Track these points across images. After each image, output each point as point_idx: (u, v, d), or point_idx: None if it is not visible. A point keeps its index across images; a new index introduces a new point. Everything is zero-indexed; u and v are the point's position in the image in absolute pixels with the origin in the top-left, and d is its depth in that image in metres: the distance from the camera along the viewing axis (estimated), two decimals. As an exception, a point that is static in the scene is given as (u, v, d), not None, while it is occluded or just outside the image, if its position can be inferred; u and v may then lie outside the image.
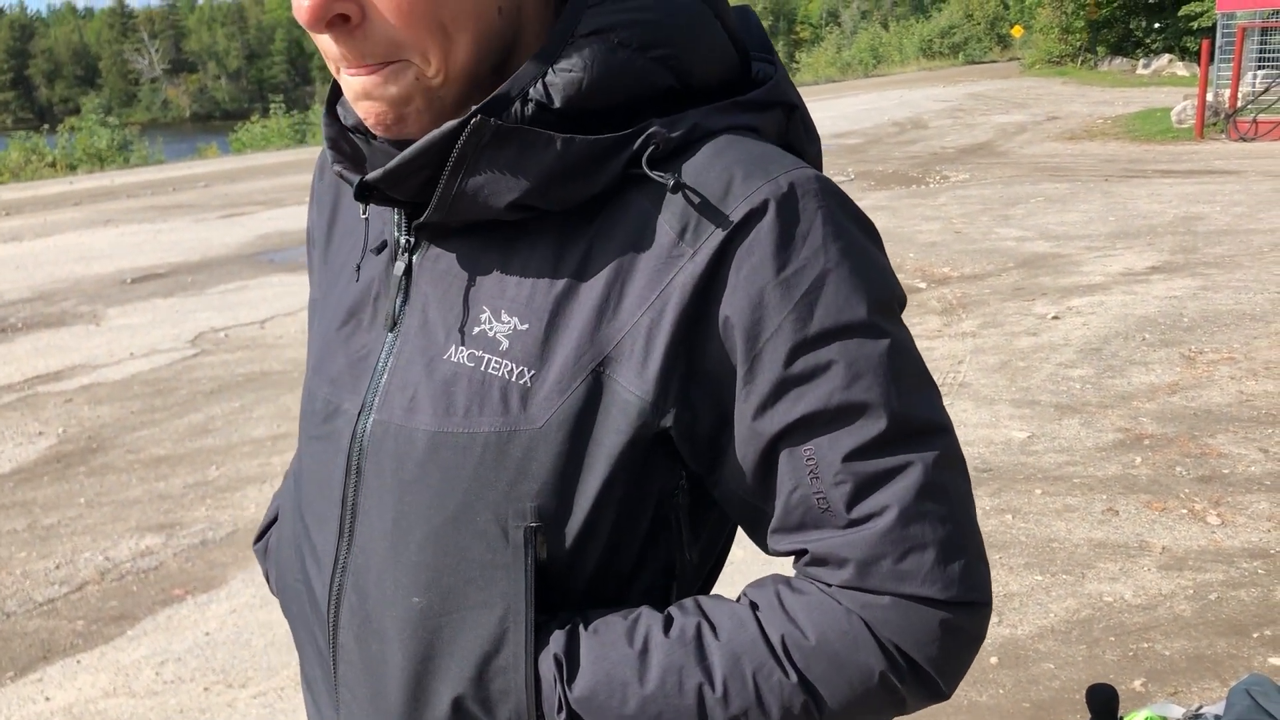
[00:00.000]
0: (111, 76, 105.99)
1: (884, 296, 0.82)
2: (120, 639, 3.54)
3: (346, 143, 0.92)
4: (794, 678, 0.80)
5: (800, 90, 0.94)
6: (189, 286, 9.01)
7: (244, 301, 8.36)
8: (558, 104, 0.79)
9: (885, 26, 66.22)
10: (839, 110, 23.90)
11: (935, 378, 5.29)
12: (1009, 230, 9.47)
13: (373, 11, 0.77)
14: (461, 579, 0.84)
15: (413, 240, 0.89)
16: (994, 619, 3.34)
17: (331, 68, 0.84)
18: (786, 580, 0.85)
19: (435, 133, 0.79)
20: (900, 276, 7.95)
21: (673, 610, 0.84)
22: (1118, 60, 34.41)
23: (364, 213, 0.91)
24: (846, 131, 19.06)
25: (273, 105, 28.76)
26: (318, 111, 29.37)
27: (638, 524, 0.86)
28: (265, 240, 11.02)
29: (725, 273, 0.79)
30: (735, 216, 0.79)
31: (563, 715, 0.82)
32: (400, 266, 0.89)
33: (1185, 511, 4.01)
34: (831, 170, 13.85)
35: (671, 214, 0.81)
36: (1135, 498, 4.14)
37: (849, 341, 0.79)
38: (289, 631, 3.45)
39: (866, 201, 11.37)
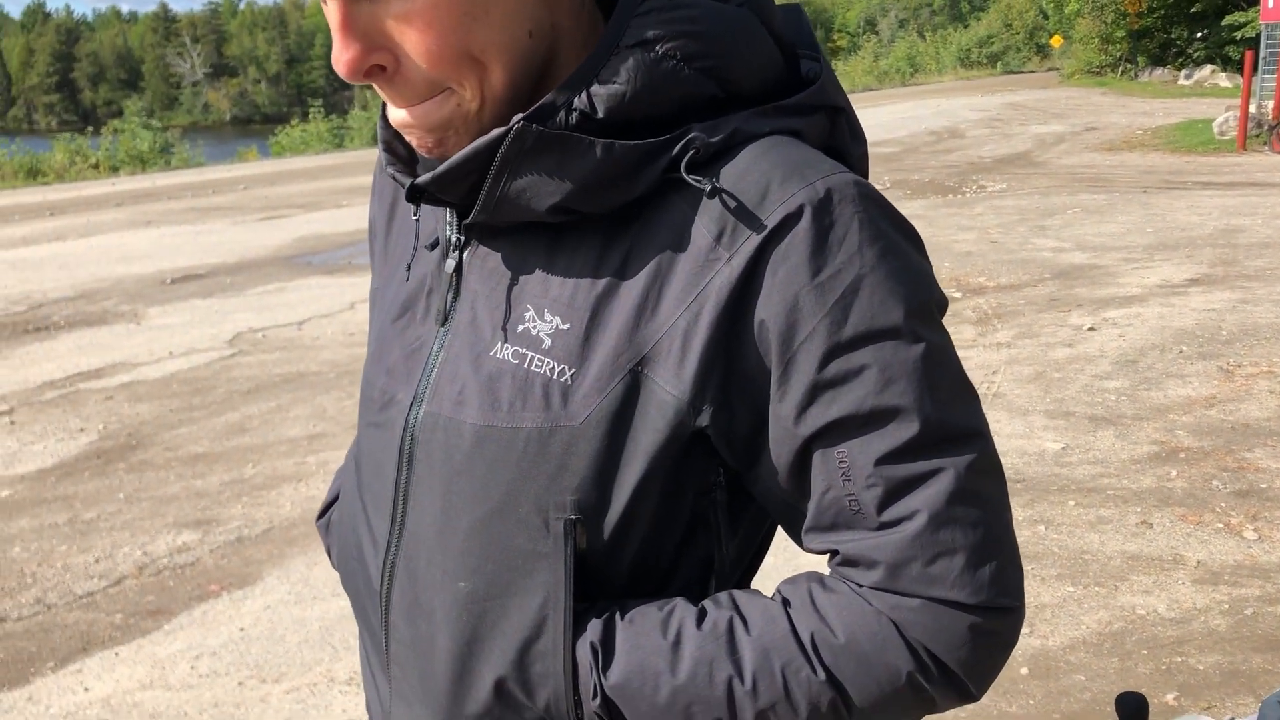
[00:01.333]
0: (154, 80, 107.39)
1: (922, 300, 0.82)
2: (157, 633, 3.60)
3: (400, 144, 0.95)
4: (822, 675, 0.81)
5: None
6: (228, 287, 9.12)
7: (281, 303, 8.46)
8: (601, 114, 0.81)
9: (922, 36, 65.91)
10: (875, 119, 23.83)
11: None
12: (1045, 241, 9.41)
13: (406, 58, 0.80)
14: (505, 566, 0.87)
15: (463, 239, 0.92)
16: (1025, 630, 3.32)
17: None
18: (820, 578, 0.86)
19: (481, 140, 0.82)
20: (935, 286, 7.92)
21: (707, 603, 0.86)
22: (1159, 71, 34.08)
23: (415, 213, 0.94)
24: (883, 140, 19.00)
25: (312, 109, 29.09)
26: (356, 116, 29.66)
27: (676, 519, 0.88)
28: (303, 243, 11.14)
29: (761, 276, 0.80)
30: (771, 221, 0.80)
31: (598, 701, 0.84)
32: (451, 264, 0.92)
33: (1221, 525, 3.97)
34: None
35: (709, 218, 0.82)
36: (1170, 511, 4.11)
37: (883, 345, 0.79)
38: (322, 628, 3.51)
39: (903, 210, 11.22)
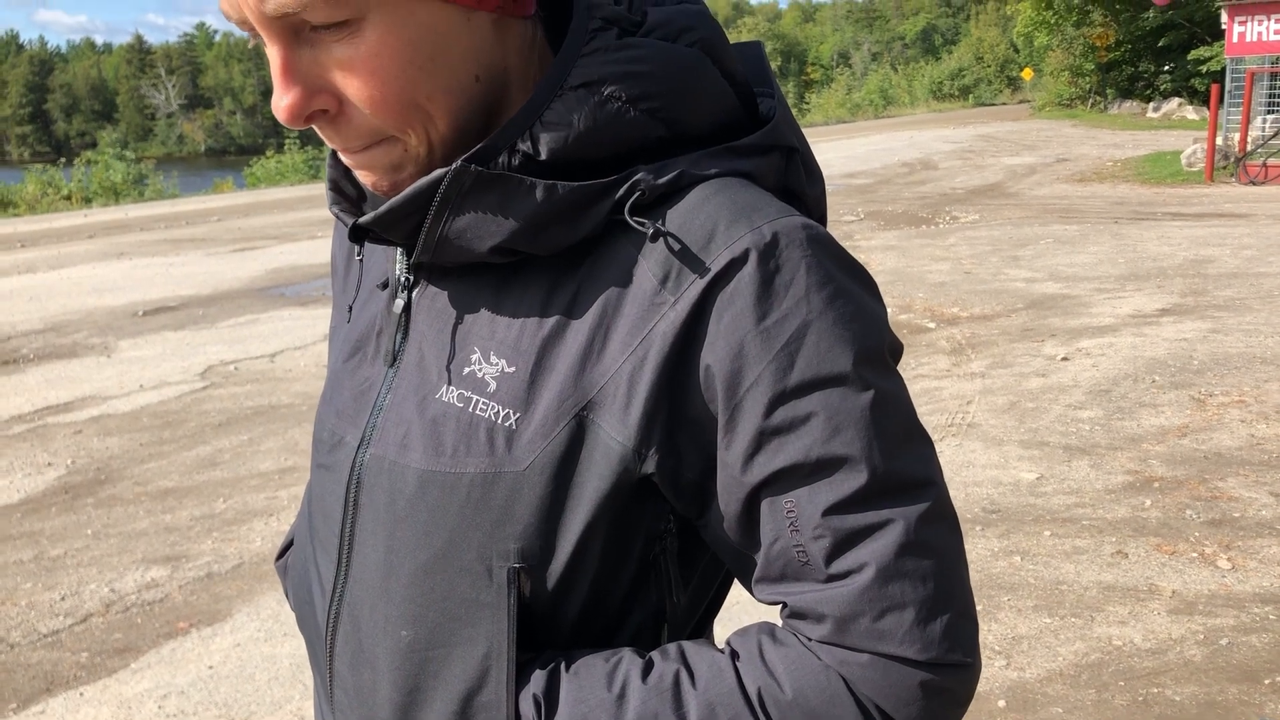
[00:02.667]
0: (128, 111, 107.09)
1: (871, 346, 0.79)
2: (124, 671, 3.53)
3: (349, 182, 0.94)
4: None
5: (810, 130, 0.95)
6: (200, 319, 9.05)
7: (254, 335, 8.40)
8: (544, 156, 0.80)
9: (895, 68, 66.68)
10: (849, 151, 24.02)
11: (943, 418, 5.25)
12: (1018, 271, 9.49)
13: (349, 103, 0.79)
14: (447, 615, 0.85)
15: (411, 278, 0.90)
16: (1002, 661, 3.31)
17: None
18: (771, 630, 0.84)
19: (422, 181, 0.80)
20: (909, 316, 8.00)
21: (654, 655, 0.84)
22: (1127, 103, 34.61)
23: (358, 253, 0.94)
24: (856, 172, 19.15)
25: (287, 141, 28.97)
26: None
27: (624, 567, 0.86)
28: (277, 274, 11.08)
29: (706, 321, 0.78)
30: (716, 265, 0.78)
31: None
32: (399, 304, 0.90)
33: (1196, 555, 3.98)
34: (841, 210, 13.90)
35: (654, 261, 0.80)
36: (1145, 540, 4.11)
37: (830, 392, 0.77)
38: (292, 666, 3.45)
39: (875, 241, 11.41)
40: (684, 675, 0.81)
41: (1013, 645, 3.41)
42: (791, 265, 0.78)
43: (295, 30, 0.77)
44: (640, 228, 0.79)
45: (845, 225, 12.65)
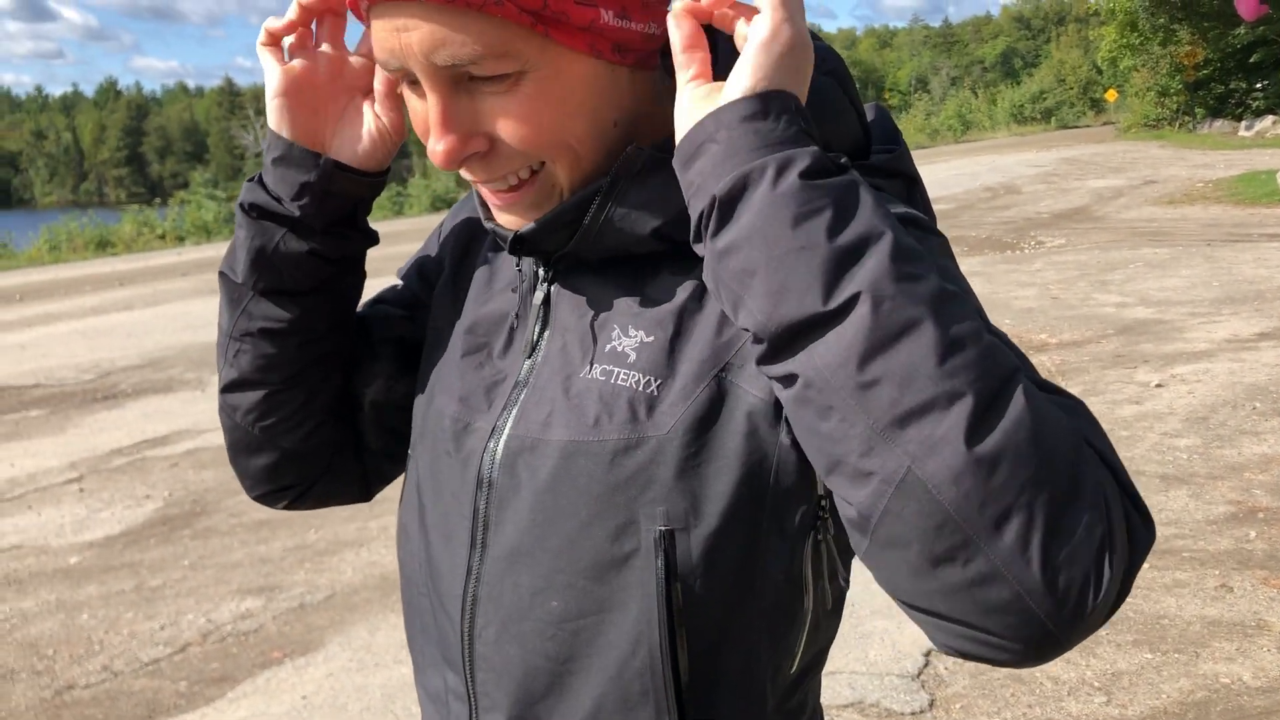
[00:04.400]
0: (219, 151, 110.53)
1: None
2: (221, 700, 3.60)
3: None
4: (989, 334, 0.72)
5: None
6: (290, 354, 9.26)
7: (342, 368, 8.57)
8: None
9: (975, 92, 65.97)
10: (929, 176, 23.72)
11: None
12: (1108, 296, 9.28)
13: (500, 142, 0.85)
14: (597, 582, 0.87)
15: (550, 274, 0.95)
16: (1102, 698, 3.22)
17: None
18: None
19: (586, 189, 0.87)
20: (996, 343, 7.82)
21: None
22: (1218, 123, 33.75)
23: (519, 264, 0.98)
24: (937, 197, 18.94)
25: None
26: (416, 184, 30.23)
27: (770, 530, 0.86)
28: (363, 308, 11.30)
29: None
30: None
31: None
32: (539, 297, 0.95)
33: (1305, 589, 3.83)
34: (923, 236, 13.74)
35: None
36: (1250, 574, 3.97)
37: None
38: (384, 696, 3.49)
39: (961, 268, 11.24)
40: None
41: (1113, 681, 3.32)
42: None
43: (455, 80, 0.83)
44: None
45: (927, 252, 12.50)
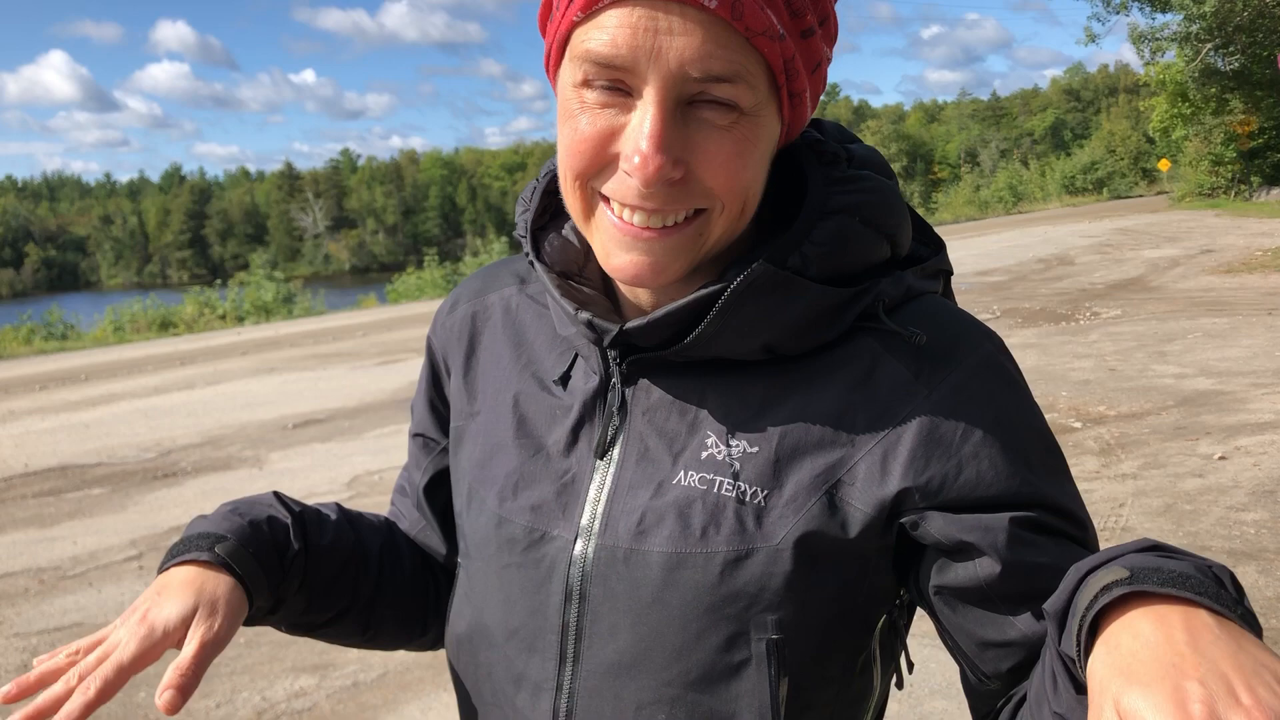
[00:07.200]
0: (278, 233, 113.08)
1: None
2: (274, 780, 3.59)
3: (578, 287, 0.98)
4: None
5: (939, 229, 1.08)
6: (346, 431, 9.36)
7: (398, 445, 8.63)
8: (813, 271, 0.88)
9: (1025, 164, 65.89)
10: (981, 248, 23.71)
11: (1096, 522, 5.02)
12: (1166, 367, 9.14)
13: (692, 174, 0.83)
14: (708, 693, 0.87)
15: (625, 373, 0.94)
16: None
17: (584, 217, 0.88)
18: None
19: (705, 291, 0.87)
20: (1053, 416, 7.77)
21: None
22: (1275, 190, 33.38)
23: (616, 358, 0.94)
24: (990, 269, 18.86)
25: (427, 257, 30.14)
26: (469, 263, 30.66)
27: (867, 635, 0.92)
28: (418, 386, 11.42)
29: (959, 408, 0.87)
30: (968, 363, 0.89)
31: None
32: (615, 399, 0.95)
33: (1384, 669, 3.69)
34: (976, 308, 13.68)
35: (905, 358, 0.89)
36: (1325, 653, 3.84)
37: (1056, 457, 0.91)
38: (437, 777, 3.45)
39: (1014, 339, 11.16)
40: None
41: (1184, 766, 3.20)
42: (1010, 365, 0.92)
43: (680, 101, 0.81)
44: (903, 330, 0.88)
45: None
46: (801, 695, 0.88)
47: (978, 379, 0.88)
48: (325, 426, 9.66)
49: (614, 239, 0.86)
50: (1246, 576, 4.55)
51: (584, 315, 0.92)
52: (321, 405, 10.71)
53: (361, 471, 7.84)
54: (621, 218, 0.85)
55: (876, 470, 0.86)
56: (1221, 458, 6.32)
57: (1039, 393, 8.37)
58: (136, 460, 8.83)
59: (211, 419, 10.43)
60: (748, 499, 0.87)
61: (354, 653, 4.58)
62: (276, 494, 1.10)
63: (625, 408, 0.94)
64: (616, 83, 0.81)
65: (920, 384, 0.88)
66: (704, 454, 0.89)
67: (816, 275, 0.88)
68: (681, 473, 0.89)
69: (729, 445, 0.89)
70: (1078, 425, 7.31)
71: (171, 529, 6.71)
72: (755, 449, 0.88)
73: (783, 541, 0.85)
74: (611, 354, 0.94)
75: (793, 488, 0.87)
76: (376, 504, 6.90)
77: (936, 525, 0.86)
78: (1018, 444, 0.87)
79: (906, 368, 0.88)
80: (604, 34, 0.79)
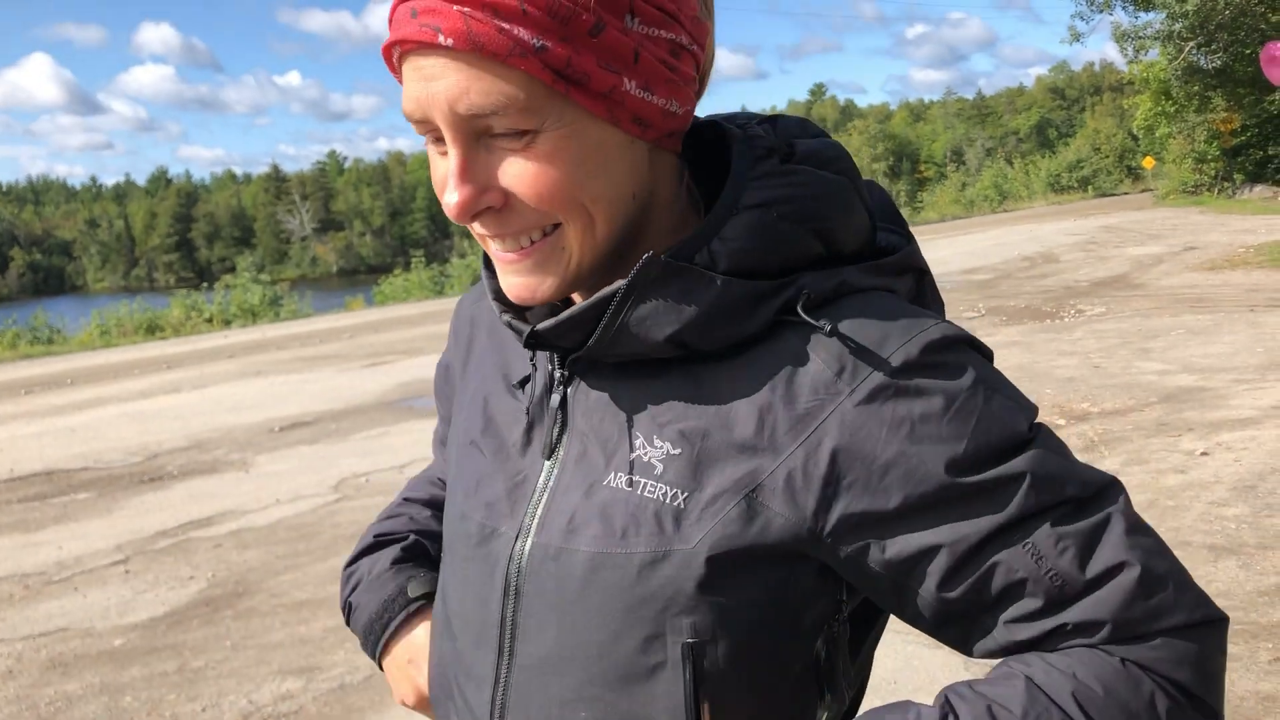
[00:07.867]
0: (265, 236, 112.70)
1: (1029, 408, 0.89)
2: (261, 783, 3.59)
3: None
4: None
5: (925, 227, 1.04)
6: (333, 434, 9.35)
7: (384, 447, 8.63)
8: (721, 268, 0.87)
9: (1011, 162, 66.10)
10: (967, 246, 23.79)
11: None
12: (1150, 364, 9.20)
13: (514, 198, 0.86)
14: (624, 694, 0.88)
15: (566, 375, 0.96)
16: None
17: (479, 239, 0.94)
18: (1040, 654, 0.86)
19: (606, 289, 0.88)
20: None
21: (950, 697, 0.85)
22: (1258, 188, 33.55)
23: (532, 358, 1.00)
24: (975, 267, 18.92)
25: (414, 259, 30.04)
26: (456, 265, 30.58)
27: (794, 649, 0.90)
28: (406, 388, 11.42)
29: (885, 410, 0.84)
30: (894, 360, 0.85)
31: None
32: (556, 399, 0.96)
33: (1362, 661, 3.73)
34: (961, 306, 13.73)
35: (828, 355, 0.87)
36: (1304, 646, 3.88)
37: (1028, 453, 0.85)
38: (423, 778, 3.46)
39: (999, 337, 11.21)
40: (996, 707, 0.82)
41: (1165, 759, 3.23)
42: (959, 362, 0.87)
43: (476, 135, 0.84)
44: (816, 325, 0.86)
45: (966, 321, 12.47)
46: (722, 703, 0.87)
47: (902, 378, 0.85)
48: (312, 429, 9.65)
49: (499, 267, 0.93)
50: (1227, 571, 4.59)
51: (505, 318, 0.97)
52: (308, 408, 10.70)
53: (348, 474, 7.83)
54: (493, 248, 0.91)
55: (798, 475, 0.85)
56: (1203, 453, 6.36)
57: (1024, 391, 8.40)
58: (123, 464, 8.81)
59: (198, 422, 10.41)
60: (668, 501, 0.87)
61: (341, 654, 4.58)
62: (378, 537, 1.36)
63: (567, 408, 0.96)
64: (433, 132, 0.87)
65: (842, 383, 0.86)
66: (632, 455, 0.90)
67: (727, 271, 0.87)
68: (611, 474, 0.90)
69: (654, 446, 0.89)
70: (1062, 422, 7.35)
71: (158, 533, 6.71)
72: (678, 450, 0.88)
73: (699, 545, 0.86)
74: (553, 357, 0.96)
75: (713, 490, 0.87)
76: (364, 506, 6.90)
77: (873, 555, 0.86)
78: (943, 448, 0.83)
79: (829, 366, 0.86)
80: (406, 95, 0.85)
